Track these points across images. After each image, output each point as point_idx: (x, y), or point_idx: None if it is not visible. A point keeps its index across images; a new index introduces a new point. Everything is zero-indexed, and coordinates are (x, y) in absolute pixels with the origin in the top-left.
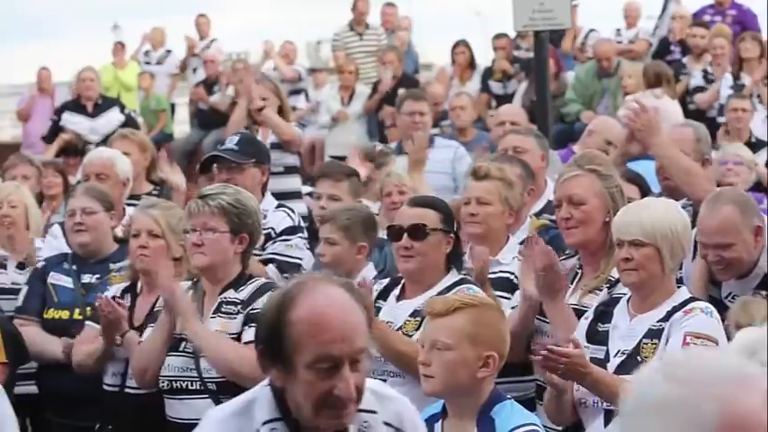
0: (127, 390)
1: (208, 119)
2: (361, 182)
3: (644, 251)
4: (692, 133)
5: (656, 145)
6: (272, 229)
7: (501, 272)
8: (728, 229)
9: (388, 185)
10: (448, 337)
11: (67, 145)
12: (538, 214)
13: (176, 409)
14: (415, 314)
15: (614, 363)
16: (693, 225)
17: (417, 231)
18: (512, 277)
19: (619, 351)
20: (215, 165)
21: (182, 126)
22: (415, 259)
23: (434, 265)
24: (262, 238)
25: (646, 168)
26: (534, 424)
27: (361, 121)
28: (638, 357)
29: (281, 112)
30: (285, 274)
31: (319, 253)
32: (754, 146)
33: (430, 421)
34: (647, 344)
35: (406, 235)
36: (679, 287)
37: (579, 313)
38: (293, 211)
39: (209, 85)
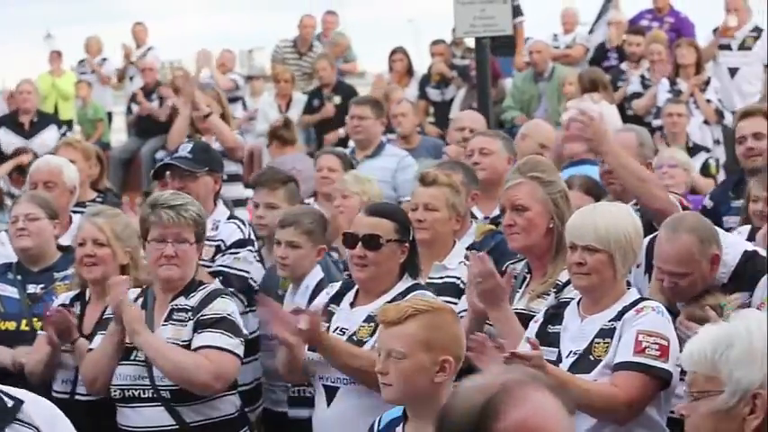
0: (77, 397)
1: (145, 127)
2: (297, 187)
3: (597, 257)
4: (635, 138)
5: (608, 153)
6: (222, 241)
7: (448, 277)
8: (687, 259)
9: (335, 192)
10: (402, 345)
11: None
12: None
13: (129, 417)
14: (368, 320)
15: (566, 363)
16: (645, 231)
17: (371, 242)
18: (458, 282)
19: (571, 352)
20: (168, 172)
21: (119, 135)
22: (369, 269)
23: (388, 273)
24: (212, 250)
25: (589, 173)
26: None
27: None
28: (591, 356)
29: (223, 119)
30: (231, 288)
31: (281, 256)
32: (692, 151)
33: (391, 426)
34: (598, 343)
35: (360, 244)
36: (629, 288)
37: (528, 318)
38: (244, 224)
39: (147, 93)
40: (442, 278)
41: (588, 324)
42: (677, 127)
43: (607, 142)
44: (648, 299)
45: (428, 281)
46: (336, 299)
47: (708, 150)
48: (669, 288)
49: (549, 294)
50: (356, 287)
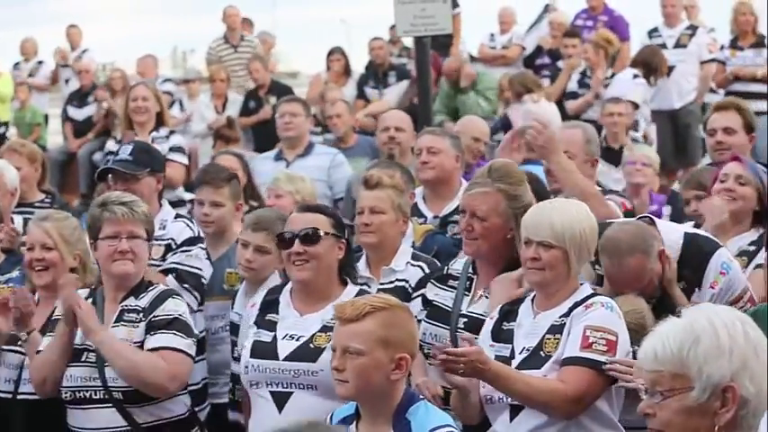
0: (19, 396)
1: (82, 129)
2: (240, 184)
3: (552, 252)
4: (582, 134)
5: (557, 163)
6: (173, 239)
7: (397, 281)
8: (640, 277)
9: (274, 191)
10: (360, 342)
11: None
12: (451, 215)
13: (79, 418)
14: (325, 329)
15: (518, 359)
16: None
17: (310, 236)
18: (406, 286)
19: (523, 348)
20: (110, 176)
21: (55, 137)
22: (310, 264)
23: (328, 272)
24: (162, 249)
25: (535, 171)
26: (450, 425)
27: None
28: (542, 352)
29: (161, 116)
30: (185, 284)
31: (247, 259)
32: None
33: (343, 423)
34: (549, 339)
35: (298, 241)
36: (582, 284)
37: (478, 322)
38: (192, 222)
39: (83, 95)
40: (392, 282)
41: (541, 320)
42: (617, 126)
43: (557, 153)
44: (599, 294)
45: (380, 286)
46: (270, 308)
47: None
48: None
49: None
50: (287, 293)
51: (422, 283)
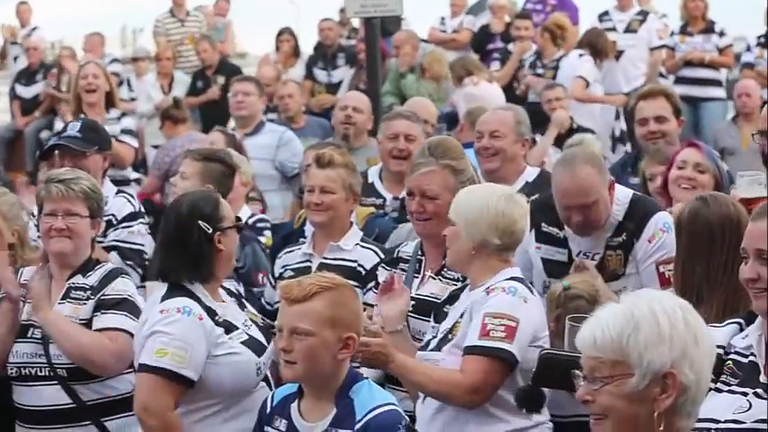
0: None
1: (29, 107)
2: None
3: (451, 229)
4: (512, 116)
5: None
6: (113, 215)
7: (343, 259)
8: (590, 189)
9: None
10: (309, 323)
11: None
12: None
13: (25, 395)
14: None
15: (434, 342)
16: None
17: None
18: (356, 266)
19: (442, 329)
20: (57, 152)
21: (2, 115)
22: None
23: None
24: (103, 225)
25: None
26: (392, 403)
27: None
28: (450, 335)
29: (110, 96)
30: (128, 262)
31: None
32: (575, 132)
33: (285, 402)
34: (459, 322)
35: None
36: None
37: (430, 304)
38: (133, 197)
39: (32, 73)
40: (336, 259)
41: (464, 302)
42: (558, 111)
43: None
44: (516, 278)
45: (322, 261)
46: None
47: (593, 132)
48: (580, 222)
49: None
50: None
51: (376, 270)
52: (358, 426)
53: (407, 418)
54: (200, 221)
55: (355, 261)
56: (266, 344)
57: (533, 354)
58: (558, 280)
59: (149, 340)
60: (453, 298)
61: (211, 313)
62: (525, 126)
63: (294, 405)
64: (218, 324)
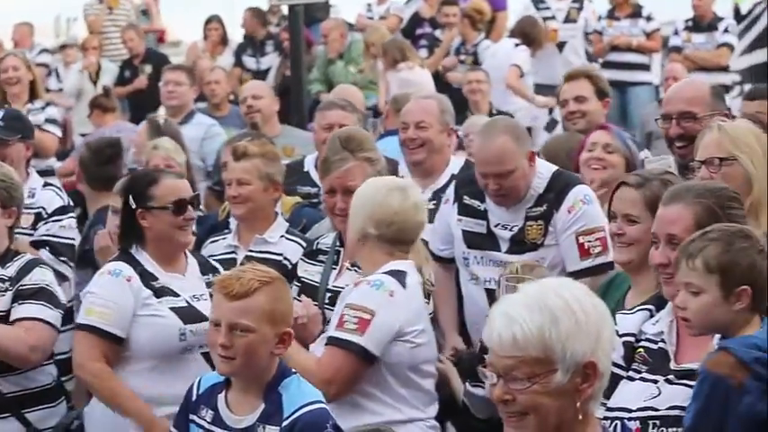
0: None
1: None
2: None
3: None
4: (436, 105)
5: None
6: (43, 208)
7: (269, 252)
8: (506, 157)
9: (155, 158)
10: (250, 320)
11: None
12: None
13: None
14: (209, 285)
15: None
16: None
17: (194, 202)
18: (281, 259)
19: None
20: None
21: None
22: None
23: None
24: (31, 218)
25: (389, 145)
26: (320, 401)
27: None
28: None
29: (33, 87)
30: (62, 258)
31: (118, 226)
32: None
33: (212, 391)
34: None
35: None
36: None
37: (338, 295)
38: (61, 190)
39: None
40: (262, 252)
41: None
42: (477, 95)
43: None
44: (393, 271)
45: (248, 253)
46: (149, 277)
47: (511, 117)
48: (494, 191)
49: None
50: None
51: None
52: (285, 423)
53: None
54: (130, 196)
55: (281, 254)
56: (207, 317)
57: (401, 348)
58: (477, 251)
59: (83, 300)
60: None
61: (149, 278)
62: (450, 114)
63: (221, 396)
64: (150, 288)
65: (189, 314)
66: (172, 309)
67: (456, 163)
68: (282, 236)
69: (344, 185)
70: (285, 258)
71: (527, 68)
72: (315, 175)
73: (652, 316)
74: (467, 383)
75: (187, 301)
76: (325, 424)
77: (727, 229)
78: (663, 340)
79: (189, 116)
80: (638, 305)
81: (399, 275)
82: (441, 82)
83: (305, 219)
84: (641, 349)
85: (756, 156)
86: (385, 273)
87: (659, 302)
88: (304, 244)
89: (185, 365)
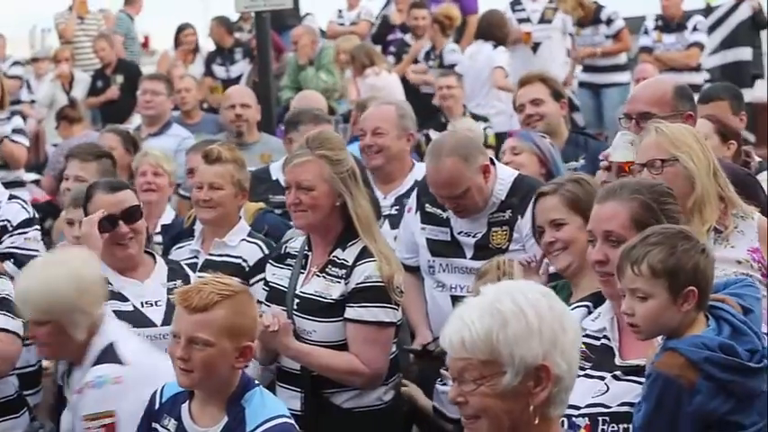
0: None
1: None
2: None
3: None
4: (395, 111)
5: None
6: (8, 221)
7: (228, 256)
8: (456, 180)
9: (144, 165)
10: (208, 334)
11: None
12: None
13: None
14: (170, 291)
15: None
16: None
17: (133, 214)
18: (240, 262)
19: None
20: None
21: None
22: (135, 240)
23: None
24: None
25: (357, 150)
26: (284, 415)
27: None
28: None
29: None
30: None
31: (75, 237)
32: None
33: (175, 400)
34: None
35: (122, 222)
36: None
37: (314, 302)
38: (26, 203)
39: None
40: (221, 255)
41: None
42: (449, 100)
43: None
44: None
45: (208, 257)
46: None
47: (486, 120)
48: (454, 209)
49: (332, 273)
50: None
51: (261, 265)
52: None
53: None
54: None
55: (239, 257)
56: (155, 323)
57: None
58: (442, 258)
59: None
60: None
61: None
62: (409, 120)
63: (185, 406)
64: None
65: (131, 319)
66: (114, 311)
67: (420, 168)
68: (243, 239)
69: (297, 180)
70: (243, 260)
71: (509, 70)
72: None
73: (590, 312)
74: (437, 383)
75: (135, 307)
76: None
77: (666, 231)
78: (606, 336)
79: (165, 126)
80: (576, 302)
81: (111, 354)
82: (411, 88)
83: (267, 225)
84: (582, 345)
85: (696, 154)
86: (97, 364)
87: (596, 299)
88: (264, 246)
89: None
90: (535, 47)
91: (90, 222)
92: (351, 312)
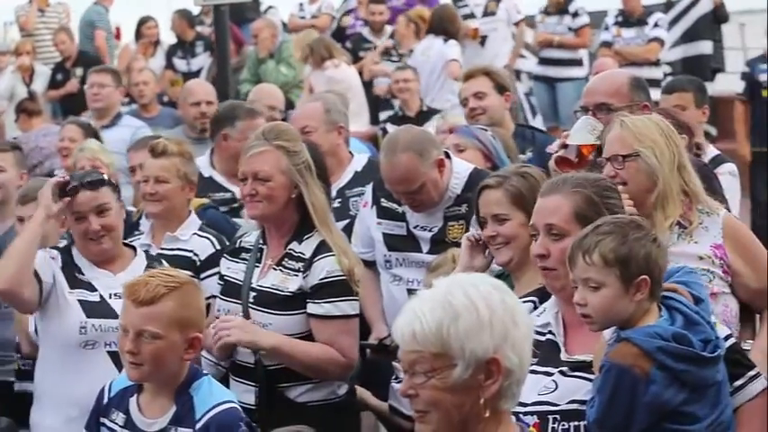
0: None
1: None
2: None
3: None
4: (321, 106)
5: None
6: None
7: (180, 249)
8: (411, 175)
9: (81, 160)
10: (157, 327)
11: None
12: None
13: None
14: None
15: None
16: None
17: (101, 208)
18: (192, 256)
19: None
20: None
21: None
22: (107, 237)
23: (118, 236)
24: None
25: None
26: (232, 401)
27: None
28: None
29: None
30: None
31: None
32: (426, 114)
33: (123, 394)
34: None
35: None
36: None
37: (272, 296)
38: None
39: None
40: (172, 250)
41: None
42: (406, 93)
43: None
44: None
45: (159, 251)
46: (71, 268)
47: (438, 112)
48: (409, 204)
49: (288, 266)
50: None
51: (213, 259)
52: (198, 425)
53: (246, 416)
54: None
55: (191, 251)
56: (118, 315)
57: None
58: (398, 252)
59: None
60: None
61: (73, 269)
62: (337, 113)
63: (133, 399)
64: (68, 277)
65: (96, 309)
66: (79, 301)
67: (359, 160)
68: (195, 233)
69: (254, 171)
70: (195, 254)
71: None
72: (220, 179)
73: (536, 308)
74: (393, 381)
75: (102, 297)
76: (239, 422)
77: (618, 220)
78: (551, 332)
79: (116, 118)
80: (521, 297)
81: None
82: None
83: (206, 220)
84: None
85: (659, 149)
86: None
87: (542, 294)
88: (215, 240)
89: (88, 364)
90: (483, 40)
91: (50, 183)
92: (316, 309)
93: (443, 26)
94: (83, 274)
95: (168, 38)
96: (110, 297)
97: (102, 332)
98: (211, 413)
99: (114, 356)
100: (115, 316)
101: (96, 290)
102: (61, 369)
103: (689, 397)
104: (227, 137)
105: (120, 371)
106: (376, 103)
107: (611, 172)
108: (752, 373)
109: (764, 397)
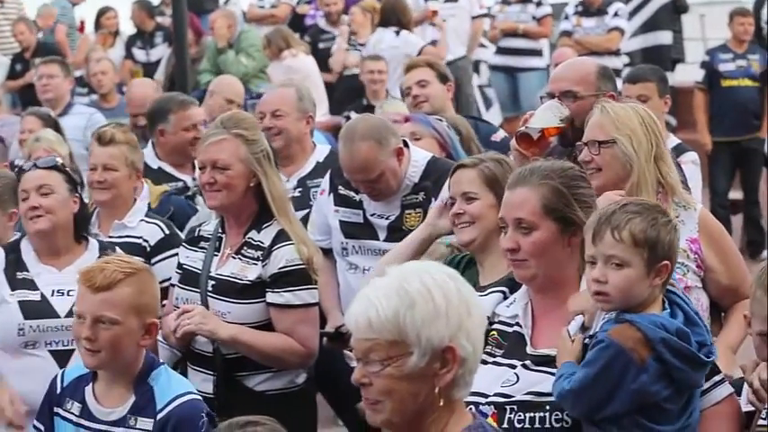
0: None
1: None
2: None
3: None
4: (294, 93)
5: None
6: None
7: (128, 237)
8: (370, 164)
9: (38, 150)
10: (115, 312)
11: None
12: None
13: None
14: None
15: None
16: None
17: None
18: (141, 242)
19: None
20: None
21: None
22: (45, 218)
23: (66, 225)
24: None
25: None
26: (192, 392)
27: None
28: None
29: None
30: None
31: None
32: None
33: (77, 383)
34: None
35: (33, 193)
36: None
37: (230, 284)
38: None
39: None
40: (121, 237)
41: None
42: (378, 84)
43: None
44: None
45: (108, 239)
46: (16, 266)
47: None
48: (368, 193)
49: (247, 254)
50: (29, 251)
51: (163, 244)
52: (160, 415)
53: (208, 407)
54: None
55: (140, 237)
56: (59, 314)
57: None
58: (355, 240)
59: None
60: None
61: (18, 266)
62: (308, 102)
63: (88, 388)
64: (9, 277)
65: (35, 309)
66: (19, 302)
67: (321, 150)
68: (142, 219)
69: (212, 159)
70: (144, 240)
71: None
72: (170, 170)
73: (506, 298)
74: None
75: (43, 296)
76: (200, 414)
77: (645, 203)
78: (518, 323)
79: (68, 107)
80: (491, 286)
81: None
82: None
83: (172, 206)
84: (494, 332)
85: (637, 138)
86: None
87: (512, 284)
88: (164, 226)
89: (29, 364)
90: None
91: None
92: (276, 298)
93: (395, 17)
94: (27, 271)
95: (128, 28)
96: (51, 295)
97: (41, 332)
98: (173, 405)
99: (56, 354)
100: (56, 315)
101: (38, 288)
102: (5, 369)
103: (672, 395)
104: (163, 132)
105: (61, 368)
106: (360, 93)
107: (587, 157)
108: (717, 378)
109: (729, 402)
